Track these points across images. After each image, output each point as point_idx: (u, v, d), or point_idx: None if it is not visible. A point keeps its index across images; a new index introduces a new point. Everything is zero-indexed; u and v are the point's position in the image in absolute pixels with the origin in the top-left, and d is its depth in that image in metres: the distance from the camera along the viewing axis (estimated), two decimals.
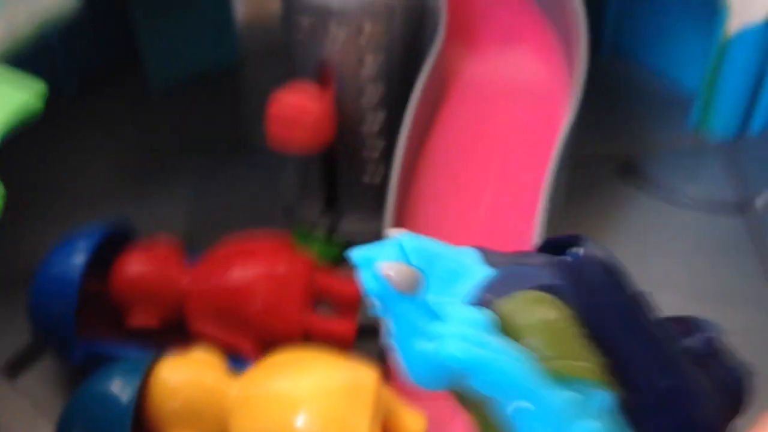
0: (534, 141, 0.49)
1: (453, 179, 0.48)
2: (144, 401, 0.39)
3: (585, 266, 0.29)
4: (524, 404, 0.27)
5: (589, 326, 0.29)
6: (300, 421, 0.36)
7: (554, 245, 0.31)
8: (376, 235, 0.50)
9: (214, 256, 0.46)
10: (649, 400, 0.29)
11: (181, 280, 0.45)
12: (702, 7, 0.58)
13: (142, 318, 0.45)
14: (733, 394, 0.32)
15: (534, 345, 0.28)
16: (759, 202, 0.56)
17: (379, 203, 0.50)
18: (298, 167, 0.54)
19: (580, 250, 0.30)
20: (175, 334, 0.45)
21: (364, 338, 0.44)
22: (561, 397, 0.27)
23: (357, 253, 0.29)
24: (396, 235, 0.30)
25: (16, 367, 0.48)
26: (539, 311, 0.28)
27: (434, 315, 0.28)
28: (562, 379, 0.28)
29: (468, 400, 0.29)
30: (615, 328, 0.29)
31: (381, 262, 0.28)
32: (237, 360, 0.43)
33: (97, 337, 0.46)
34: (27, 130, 0.42)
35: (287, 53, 0.50)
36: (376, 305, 0.29)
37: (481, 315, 0.28)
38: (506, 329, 0.28)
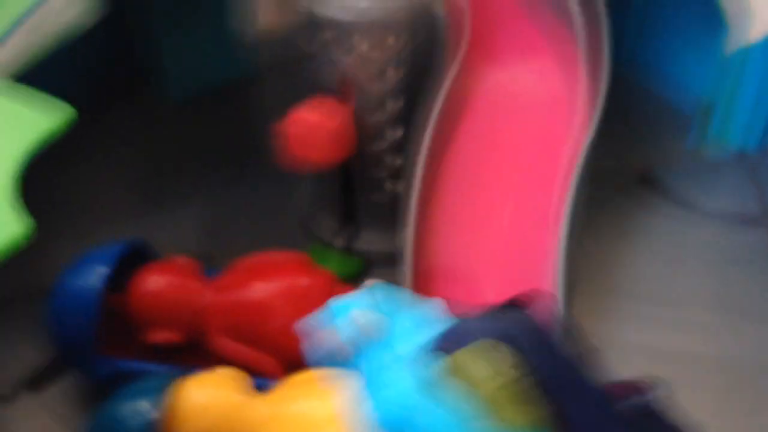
0: (554, 153, 0.49)
1: (472, 192, 0.48)
2: (168, 421, 0.38)
3: (523, 328, 0.32)
4: None
5: (535, 378, 0.31)
6: None
7: (512, 304, 0.34)
8: (393, 251, 0.51)
9: (234, 271, 0.45)
10: None
11: (201, 296, 0.44)
12: (719, 18, 0.57)
13: (161, 334, 0.45)
14: None
15: (483, 393, 0.30)
16: None
17: (397, 218, 0.50)
18: (314, 182, 0.53)
19: (517, 314, 0.33)
20: (195, 350, 0.45)
21: None
22: None
23: (335, 303, 0.34)
24: (370, 285, 0.34)
25: (38, 382, 0.48)
26: (490, 361, 0.30)
27: (397, 360, 0.32)
28: (509, 425, 0.30)
29: None
30: (556, 384, 0.31)
31: (354, 310, 0.33)
32: (259, 379, 0.42)
33: (117, 354, 0.46)
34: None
35: (306, 67, 0.50)
36: (348, 353, 0.33)
37: (422, 372, 0.31)
38: (460, 376, 0.30)
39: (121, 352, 0.46)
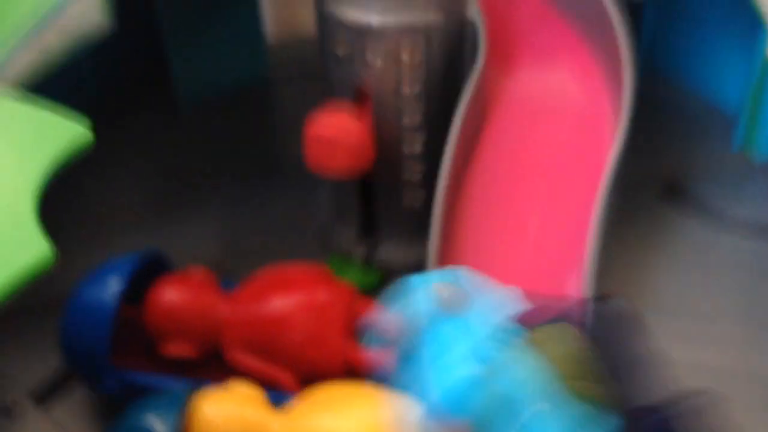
0: (579, 163, 0.48)
1: (497, 204, 0.48)
2: None
3: (607, 316, 0.34)
4: (543, 407, 0.30)
5: (595, 365, 0.32)
6: None
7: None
8: (415, 263, 0.50)
9: (252, 284, 0.45)
10: None
11: (218, 309, 0.44)
12: (743, 23, 0.57)
13: (177, 347, 0.44)
14: None
15: (557, 368, 0.31)
16: None
17: (418, 229, 0.49)
18: (332, 191, 0.53)
19: (606, 303, 0.35)
20: (211, 364, 0.44)
21: None
22: (576, 410, 0.31)
23: (415, 277, 0.34)
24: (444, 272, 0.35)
25: (47, 394, 0.47)
26: (563, 341, 0.32)
27: (471, 335, 0.32)
28: (579, 398, 0.31)
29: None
30: (623, 374, 0.32)
31: (436, 283, 0.34)
32: (276, 394, 0.42)
33: (130, 366, 0.45)
34: None
35: (323, 74, 0.49)
36: (413, 333, 0.33)
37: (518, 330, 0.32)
38: (538, 350, 0.32)
39: (135, 364, 0.45)
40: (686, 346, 0.48)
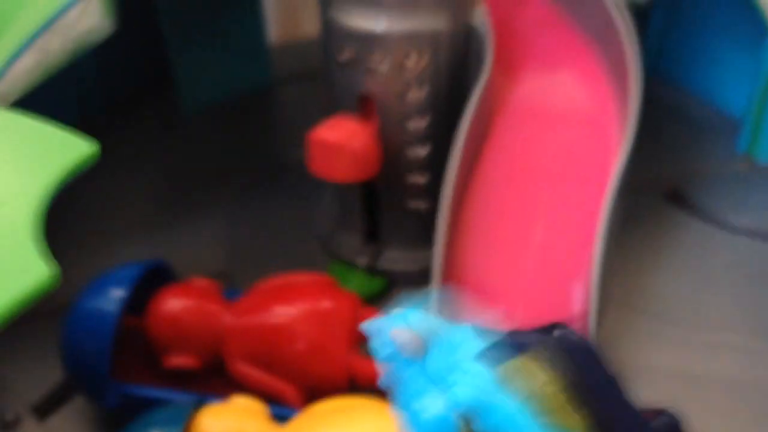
0: (585, 168, 0.48)
1: (503, 211, 0.47)
2: None
3: (569, 343, 0.34)
4: None
5: (573, 391, 0.33)
6: None
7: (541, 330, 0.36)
8: (419, 270, 0.50)
9: (255, 293, 0.44)
10: None
11: (221, 319, 0.43)
12: (749, 27, 0.56)
13: (179, 359, 0.43)
14: None
15: (542, 395, 0.31)
16: None
17: (422, 236, 0.49)
18: (336, 198, 0.53)
19: (564, 331, 0.35)
20: (214, 376, 0.44)
21: None
22: None
23: (370, 324, 0.34)
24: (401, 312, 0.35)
25: (46, 407, 0.46)
26: (547, 368, 0.32)
27: (437, 379, 0.32)
28: (564, 428, 0.31)
29: None
30: (596, 398, 0.33)
31: (393, 329, 0.33)
32: (279, 408, 0.41)
33: (132, 378, 0.45)
34: None
35: (326, 82, 0.49)
36: (386, 373, 0.33)
37: (486, 369, 0.32)
38: (519, 379, 0.32)
39: (137, 376, 0.45)
40: (685, 353, 0.48)
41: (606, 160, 0.48)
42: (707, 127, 0.62)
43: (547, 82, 0.52)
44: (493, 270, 0.46)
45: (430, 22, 0.45)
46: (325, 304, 0.43)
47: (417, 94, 0.46)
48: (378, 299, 0.50)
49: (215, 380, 0.44)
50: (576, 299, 0.44)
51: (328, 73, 0.48)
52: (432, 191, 0.49)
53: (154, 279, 0.45)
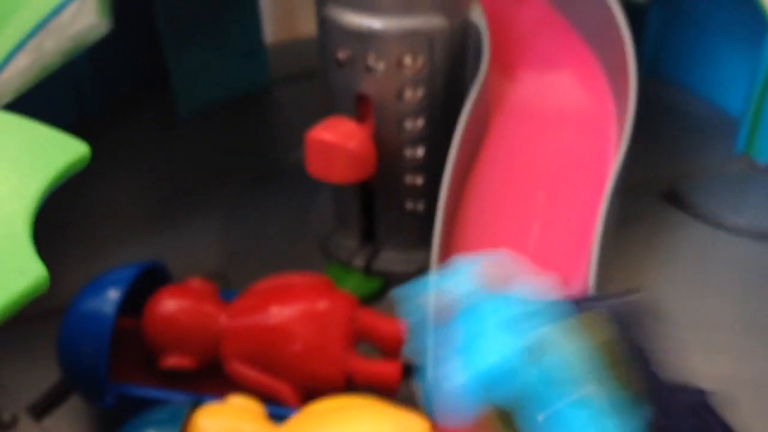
0: (583, 168, 0.48)
1: (499, 212, 0.47)
2: None
3: (624, 310, 0.34)
4: (588, 391, 0.30)
5: (623, 354, 0.33)
6: None
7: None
8: (416, 271, 0.50)
9: (250, 295, 0.44)
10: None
11: (217, 320, 0.43)
12: (747, 25, 0.56)
13: (175, 359, 0.43)
14: None
15: (599, 354, 0.32)
16: None
17: (419, 237, 0.49)
18: (333, 198, 0.52)
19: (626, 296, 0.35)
20: (211, 376, 0.44)
21: (408, 379, 0.43)
22: (615, 396, 0.31)
23: (400, 289, 0.34)
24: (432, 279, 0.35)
25: (43, 408, 0.46)
26: (601, 328, 0.32)
27: (463, 347, 0.32)
28: (616, 384, 0.31)
29: (500, 421, 0.31)
30: (639, 366, 0.33)
31: (422, 296, 0.34)
32: (276, 408, 0.41)
33: (128, 379, 0.44)
34: None
35: (322, 84, 0.49)
36: (412, 340, 0.33)
37: (513, 338, 0.31)
38: (578, 335, 0.32)
39: (133, 377, 0.45)
40: (687, 355, 0.48)
41: (603, 159, 0.47)
42: (705, 127, 0.61)
43: (545, 81, 0.52)
44: None
45: (427, 21, 0.45)
46: (322, 304, 0.43)
47: (414, 94, 0.46)
48: (374, 300, 0.50)
49: (212, 380, 0.44)
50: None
51: (325, 72, 0.48)
52: (429, 192, 0.48)
53: (151, 280, 0.45)
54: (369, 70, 0.46)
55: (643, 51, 0.63)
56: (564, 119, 0.50)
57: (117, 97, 0.63)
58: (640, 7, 0.61)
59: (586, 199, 0.46)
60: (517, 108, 0.51)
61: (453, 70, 0.47)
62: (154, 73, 0.63)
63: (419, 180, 0.49)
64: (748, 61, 0.58)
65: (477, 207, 0.47)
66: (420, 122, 0.47)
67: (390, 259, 0.51)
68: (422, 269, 0.45)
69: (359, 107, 0.47)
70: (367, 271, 0.51)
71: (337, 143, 0.46)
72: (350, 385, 0.42)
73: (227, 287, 0.47)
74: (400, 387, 0.42)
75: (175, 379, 0.44)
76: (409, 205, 0.50)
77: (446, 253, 0.45)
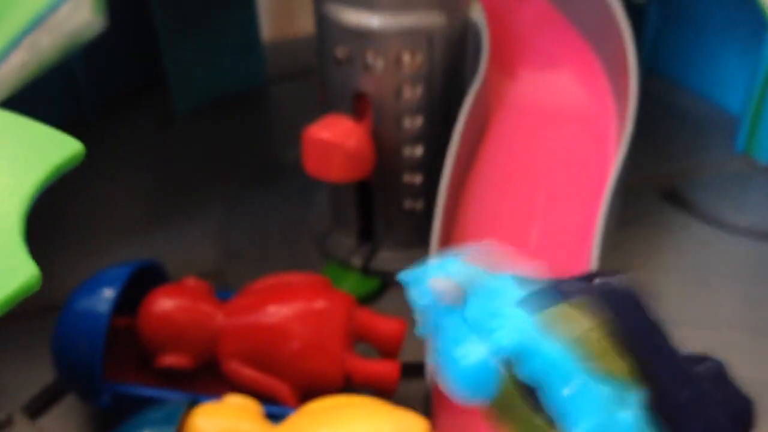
0: (583, 167, 0.48)
1: (499, 209, 0.47)
2: None
3: (611, 290, 0.33)
4: (574, 388, 0.30)
5: (616, 338, 0.32)
6: None
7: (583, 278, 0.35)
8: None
9: (247, 294, 0.44)
10: (670, 410, 0.32)
11: (214, 319, 0.43)
12: (747, 24, 0.56)
13: (172, 358, 0.43)
14: (741, 420, 0.35)
15: (586, 341, 0.31)
16: None
17: (418, 236, 0.49)
18: (331, 197, 0.52)
19: (606, 278, 0.34)
20: (207, 375, 0.44)
21: (407, 379, 0.43)
22: (605, 388, 0.30)
23: (409, 272, 0.34)
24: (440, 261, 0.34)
25: (38, 407, 0.46)
26: (577, 320, 0.31)
27: (477, 326, 0.31)
28: (607, 374, 0.30)
29: (510, 408, 0.31)
30: (640, 345, 0.32)
31: (431, 278, 0.33)
32: (273, 407, 0.41)
33: (124, 378, 0.44)
34: None
35: (320, 82, 0.48)
36: (425, 322, 0.33)
37: (528, 315, 0.31)
38: (564, 325, 0.31)
39: (129, 376, 0.44)
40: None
41: (603, 158, 0.47)
42: (705, 125, 0.61)
43: (544, 79, 0.52)
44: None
45: (426, 18, 0.45)
46: (320, 303, 0.42)
47: (413, 92, 0.46)
48: (373, 299, 0.50)
49: (209, 379, 0.43)
50: None
51: (323, 70, 0.48)
52: (427, 191, 0.48)
53: (147, 279, 0.45)
54: (367, 68, 0.45)
55: (642, 49, 0.62)
56: (564, 117, 0.50)
57: (113, 94, 0.63)
58: (640, 6, 0.61)
59: (586, 197, 0.46)
60: (517, 106, 0.50)
61: (452, 68, 0.47)
62: (150, 70, 0.63)
63: (418, 179, 0.49)
64: (747, 60, 0.57)
65: (476, 206, 0.47)
66: (419, 120, 0.47)
67: (388, 259, 0.51)
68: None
69: (357, 105, 0.47)
70: (365, 270, 0.51)
71: (335, 142, 0.45)
72: (348, 384, 0.42)
73: (224, 286, 0.47)
74: (398, 386, 0.42)
75: (172, 378, 0.44)
76: (407, 203, 0.50)
77: (446, 252, 0.45)
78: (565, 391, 0.30)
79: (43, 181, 0.35)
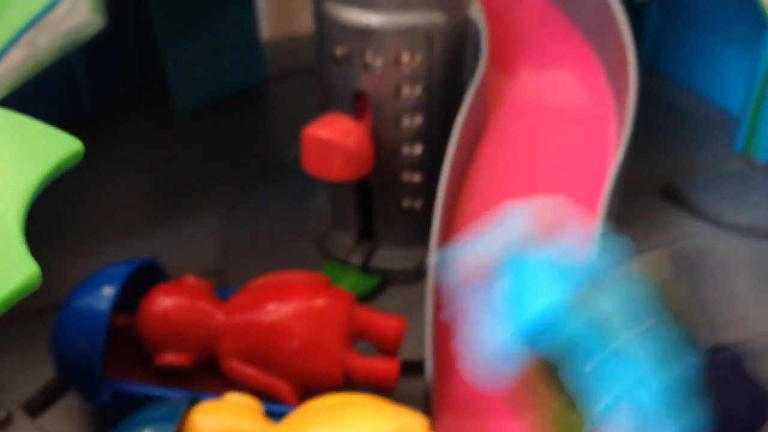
0: (582, 166, 0.48)
1: (498, 208, 0.46)
2: None
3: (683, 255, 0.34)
4: (637, 333, 0.30)
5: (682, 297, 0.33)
6: None
7: None
8: (413, 269, 0.49)
9: (247, 292, 0.44)
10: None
11: (213, 317, 0.43)
12: (747, 23, 0.56)
13: (171, 357, 0.43)
14: (758, 408, 0.35)
15: (659, 293, 0.32)
16: None
17: (416, 234, 0.49)
18: (330, 196, 0.52)
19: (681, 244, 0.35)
20: (207, 373, 0.44)
21: (406, 376, 0.43)
22: (668, 338, 0.31)
23: (439, 253, 0.35)
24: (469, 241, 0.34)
25: (38, 405, 0.46)
26: (660, 270, 0.33)
27: (505, 306, 0.32)
28: (674, 324, 0.31)
29: (544, 376, 0.31)
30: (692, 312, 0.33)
31: (461, 257, 0.33)
32: (274, 405, 0.41)
33: (124, 376, 0.44)
34: None
35: (320, 80, 0.48)
36: (454, 302, 0.33)
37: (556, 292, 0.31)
38: (646, 274, 0.32)
39: (129, 375, 0.44)
40: None
41: (603, 157, 0.47)
42: (704, 124, 0.61)
43: (544, 78, 0.52)
44: None
45: (425, 17, 0.45)
46: (320, 302, 0.42)
47: (412, 91, 0.46)
48: (372, 297, 0.50)
49: (209, 378, 0.43)
50: None
51: (322, 69, 0.48)
52: (426, 189, 0.48)
53: (147, 277, 0.45)
54: (366, 66, 0.45)
55: (642, 48, 0.62)
56: (563, 116, 0.50)
57: (113, 94, 0.63)
58: (640, 5, 0.61)
59: (586, 195, 0.46)
60: (516, 105, 0.50)
61: (451, 67, 0.47)
62: (149, 70, 0.63)
63: (417, 177, 0.49)
64: (747, 59, 0.57)
65: (475, 204, 0.47)
66: (418, 119, 0.47)
67: (387, 257, 0.51)
68: (420, 267, 0.45)
69: (357, 104, 0.47)
70: (365, 268, 0.51)
71: (334, 140, 0.45)
72: (348, 382, 0.42)
73: (224, 285, 0.47)
74: (398, 384, 0.42)
75: (172, 376, 0.44)
76: (406, 202, 0.50)
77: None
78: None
79: (42, 180, 0.35)
